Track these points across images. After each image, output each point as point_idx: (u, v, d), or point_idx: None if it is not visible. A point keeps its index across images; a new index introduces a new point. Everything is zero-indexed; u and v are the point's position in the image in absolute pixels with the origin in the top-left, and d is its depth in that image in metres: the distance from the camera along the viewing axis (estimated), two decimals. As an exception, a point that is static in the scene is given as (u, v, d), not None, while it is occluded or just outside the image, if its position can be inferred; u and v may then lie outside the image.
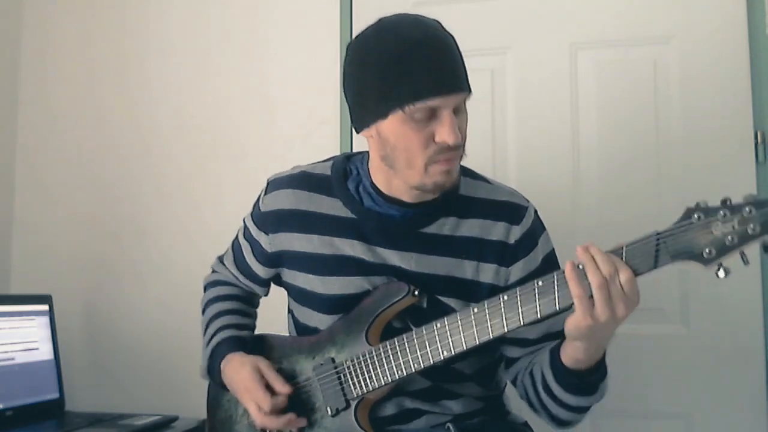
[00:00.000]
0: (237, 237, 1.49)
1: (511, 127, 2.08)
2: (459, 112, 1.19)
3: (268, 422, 1.26)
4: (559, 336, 1.23)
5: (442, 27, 1.20)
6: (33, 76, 2.42)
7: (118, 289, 2.29)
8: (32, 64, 2.42)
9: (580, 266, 1.07)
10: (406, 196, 1.27)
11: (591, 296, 1.05)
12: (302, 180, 1.36)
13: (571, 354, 1.14)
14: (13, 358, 1.91)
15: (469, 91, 1.19)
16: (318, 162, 1.40)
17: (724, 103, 1.95)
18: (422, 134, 1.16)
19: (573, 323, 1.08)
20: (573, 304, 1.07)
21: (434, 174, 1.20)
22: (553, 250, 1.34)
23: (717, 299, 1.89)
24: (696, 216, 1.03)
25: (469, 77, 1.20)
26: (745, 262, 1.01)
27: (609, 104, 2.03)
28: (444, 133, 1.15)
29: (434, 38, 1.16)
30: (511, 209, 1.31)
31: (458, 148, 1.20)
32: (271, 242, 1.37)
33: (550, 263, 1.31)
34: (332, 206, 1.32)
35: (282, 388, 1.27)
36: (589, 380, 1.17)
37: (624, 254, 1.06)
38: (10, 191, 2.38)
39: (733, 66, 1.95)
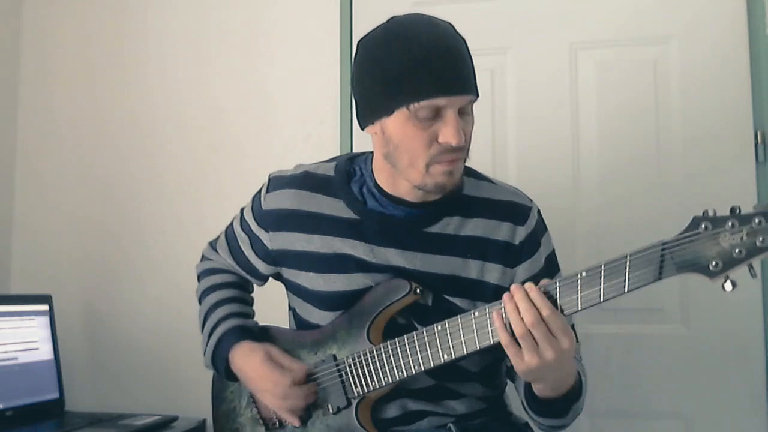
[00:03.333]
0: (232, 226, 1.47)
1: (511, 127, 2.08)
2: (464, 114, 1.19)
3: (285, 401, 1.26)
4: None
5: (454, 30, 1.20)
6: (33, 76, 2.41)
7: (118, 289, 2.29)
8: (32, 64, 2.42)
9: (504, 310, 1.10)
10: (410, 196, 1.27)
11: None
12: (305, 180, 1.35)
13: (537, 386, 1.17)
14: (13, 358, 1.91)
15: (476, 94, 1.20)
16: (321, 162, 1.40)
17: (724, 103, 1.95)
18: (426, 134, 1.17)
19: (515, 367, 1.11)
20: (575, 312, 1.09)
21: (436, 174, 1.20)
22: (554, 250, 1.35)
23: (717, 299, 1.89)
24: (703, 226, 1.01)
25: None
26: (753, 275, 0.99)
27: (609, 104, 2.03)
28: (448, 134, 1.15)
29: (445, 40, 1.17)
30: (516, 209, 1.31)
31: (461, 150, 1.19)
32: (271, 240, 1.36)
33: (552, 264, 1.33)
34: (334, 207, 1.31)
35: (298, 369, 1.27)
36: (555, 406, 1.19)
37: (627, 264, 1.05)
38: (10, 191, 2.38)
39: (733, 66, 1.95)
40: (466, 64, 1.18)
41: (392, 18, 1.22)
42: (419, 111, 1.15)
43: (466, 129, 1.19)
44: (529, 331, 1.06)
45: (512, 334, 1.08)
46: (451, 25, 1.21)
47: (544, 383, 1.15)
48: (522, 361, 1.08)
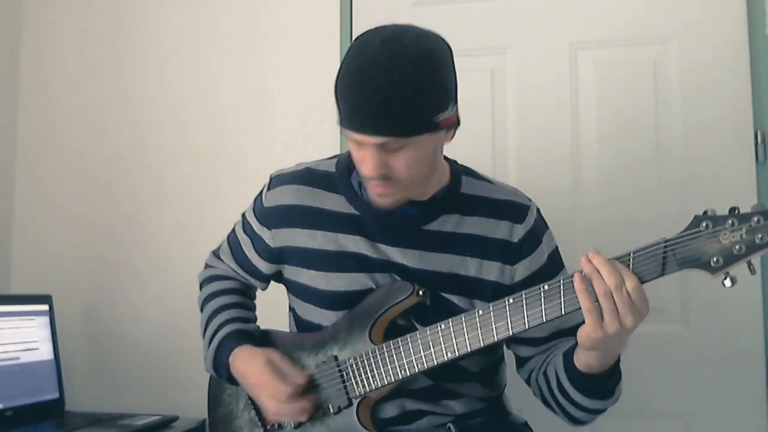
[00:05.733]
0: (234, 231, 1.48)
1: (511, 127, 2.08)
2: (396, 149, 1.15)
3: (284, 409, 1.25)
4: (569, 333, 1.24)
5: (421, 54, 1.11)
6: (33, 76, 2.41)
7: (118, 289, 2.29)
8: (32, 64, 2.42)
9: (583, 274, 1.07)
10: (405, 195, 1.27)
11: (599, 306, 1.06)
12: (306, 176, 1.36)
13: (584, 360, 1.15)
14: (13, 358, 1.91)
15: (408, 134, 1.13)
16: (322, 159, 1.41)
17: (724, 103, 1.95)
18: (356, 154, 1.20)
19: (584, 335, 1.09)
20: (579, 309, 1.08)
21: (371, 192, 1.24)
22: (557, 247, 1.35)
23: (717, 299, 1.89)
24: (704, 224, 1.03)
25: (445, 105, 1.14)
26: (752, 271, 1.03)
27: (609, 104, 2.03)
28: (362, 166, 1.18)
29: (383, 73, 1.09)
30: (514, 208, 1.31)
31: (388, 179, 1.18)
32: (273, 237, 1.37)
33: (555, 261, 1.32)
34: (336, 202, 1.32)
35: (298, 377, 1.27)
36: (604, 384, 1.18)
37: (631, 261, 1.07)
38: (10, 191, 2.38)
39: (733, 66, 1.95)
40: (398, 103, 1.10)
41: (378, 27, 1.17)
42: (347, 134, 1.17)
43: (394, 163, 1.16)
44: (611, 292, 1.05)
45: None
46: (419, 48, 1.12)
47: (600, 353, 1.12)
48: (600, 328, 1.06)
